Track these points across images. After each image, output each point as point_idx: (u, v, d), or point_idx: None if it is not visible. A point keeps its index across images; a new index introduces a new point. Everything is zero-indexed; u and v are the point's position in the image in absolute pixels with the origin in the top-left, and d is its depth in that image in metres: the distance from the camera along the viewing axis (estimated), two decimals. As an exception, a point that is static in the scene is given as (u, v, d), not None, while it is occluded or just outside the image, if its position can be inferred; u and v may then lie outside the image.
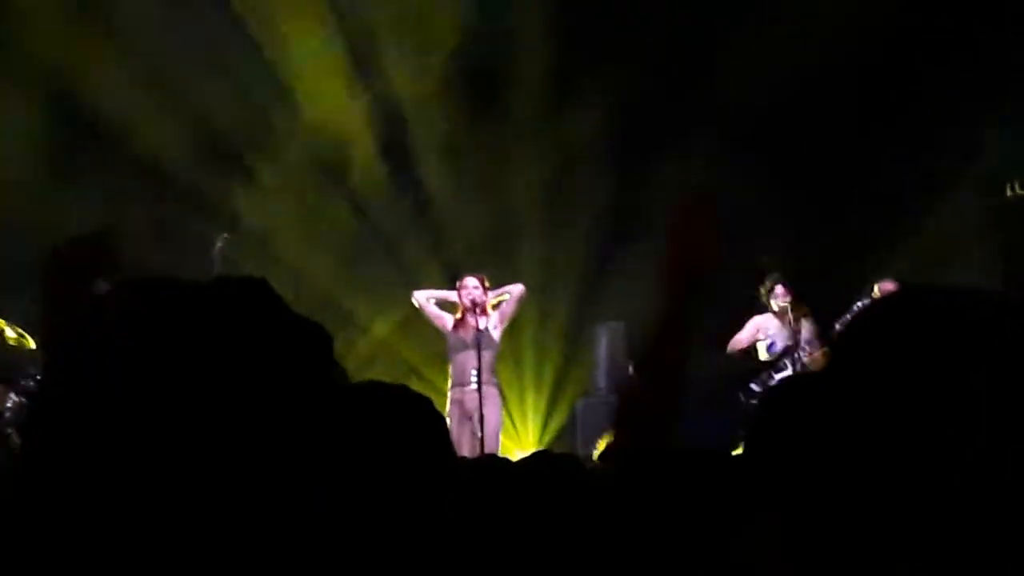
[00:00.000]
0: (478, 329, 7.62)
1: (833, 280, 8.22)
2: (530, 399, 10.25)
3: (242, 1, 9.22)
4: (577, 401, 9.86)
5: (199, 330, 0.97)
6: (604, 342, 9.88)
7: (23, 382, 6.89)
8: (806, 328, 8.19)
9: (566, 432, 9.92)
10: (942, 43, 8.68)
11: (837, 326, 7.95)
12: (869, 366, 1.06)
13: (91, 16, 8.92)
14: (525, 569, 1.75)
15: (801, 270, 8.27)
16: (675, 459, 1.75)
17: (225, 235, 8.00)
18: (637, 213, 8.59)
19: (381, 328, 10.03)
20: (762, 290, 8.27)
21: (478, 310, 7.69)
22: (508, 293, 7.97)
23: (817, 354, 8.13)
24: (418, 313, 8.21)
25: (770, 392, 1.63)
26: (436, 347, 8.50)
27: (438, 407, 1.68)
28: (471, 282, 7.82)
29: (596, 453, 8.14)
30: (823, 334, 8.13)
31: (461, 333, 7.79)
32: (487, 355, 7.61)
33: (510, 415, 9.53)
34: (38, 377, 6.46)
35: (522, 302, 8.07)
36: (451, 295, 7.95)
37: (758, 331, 8.26)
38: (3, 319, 7.14)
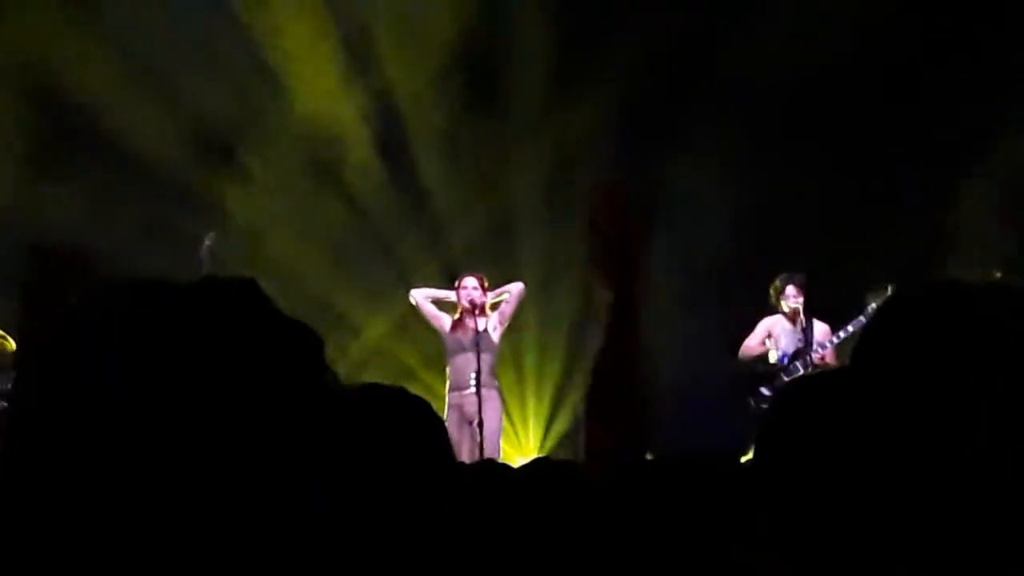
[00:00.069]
0: (477, 330, 7.61)
1: (845, 280, 8.24)
2: (531, 403, 10.23)
3: (233, -9, 9.22)
4: (580, 405, 9.85)
5: (184, 333, 0.96)
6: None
7: (5, 385, 6.89)
8: (818, 329, 8.19)
9: (569, 438, 9.91)
10: (944, 42, 8.75)
11: (850, 327, 7.97)
12: (892, 364, 1.06)
13: (76, 7, 8.92)
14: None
15: (811, 270, 8.29)
16: (677, 466, 1.74)
17: (214, 233, 8.00)
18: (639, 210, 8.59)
19: (376, 329, 10.02)
20: (772, 291, 8.28)
21: (477, 311, 7.69)
22: (507, 292, 7.97)
23: (828, 355, 8.14)
24: (414, 314, 8.21)
25: (782, 393, 1.63)
26: (433, 349, 8.50)
27: (436, 411, 1.67)
28: (470, 282, 7.82)
29: None
30: (834, 335, 8.14)
31: (459, 334, 7.78)
32: (487, 357, 7.60)
33: (511, 419, 9.52)
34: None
35: (522, 301, 8.07)
36: (450, 294, 7.94)
37: (769, 333, 8.27)
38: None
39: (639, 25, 9.06)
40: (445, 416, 7.52)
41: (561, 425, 10.16)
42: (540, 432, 10.20)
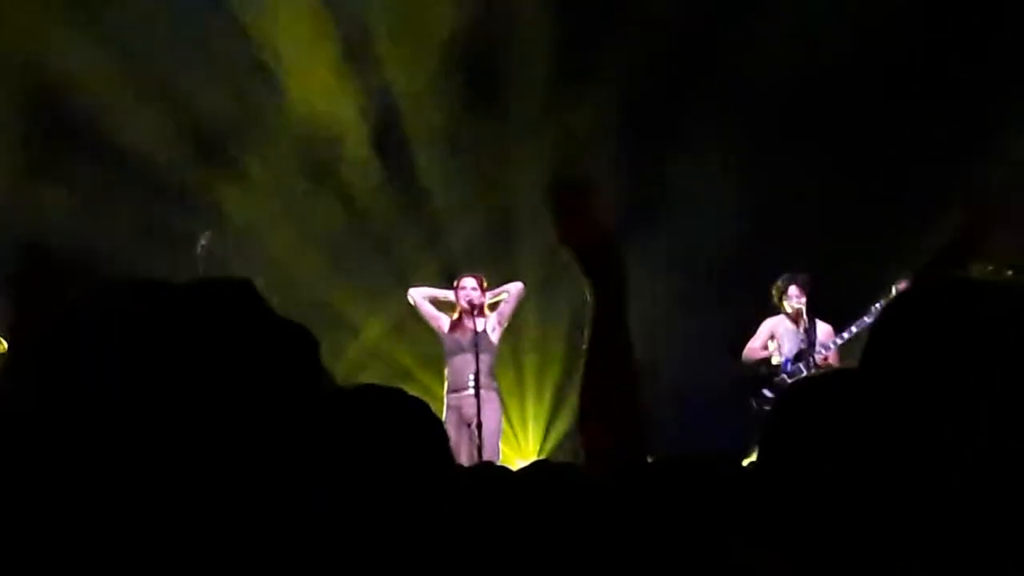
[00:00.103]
0: (476, 331, 7.61)
1: (844, 281, 8.26)
2: (531, 405, 10.23)
3: (229, -14, 9.23)
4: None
5: (178, 336, 0.96)
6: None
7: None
8: (821, 330, 8.20)
9: (569, 440, 9.91)
10: (944, 42, 8.78)
11: (854, 328, 7.97)
12: (899, 366, 1.06)
13: (74, 6, 8.92)
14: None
15: (811, 270, 8.31)
16: (677, 468, 1.75)
17: (210, 233, 8.00)
18: (640, 210, 8.61)
19: (373, 330, 10.02)
20: (774, 292, 8.28)
21: (476, 312, 7.69)
22: (506, 292, 7.97)
23: (832, 357, 8.14)
24: (412, 314, 8.21)
25: (786, 394, 1.63)
26: (431, 350, 8.50)
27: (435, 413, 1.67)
28: (469, 283, 7.83)
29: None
30: (838, 336, 8.15)
31: (458, 335, 7.78)
32: (485, 358, 7.60)
33: (510, 421, 9.51)
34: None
35: (521, 301, 8.07)
36: (448, 295, 7.95)
37: (771, 335, 8.28)
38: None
39: (639, 25, 9.09)
40: (443, 418, 7.52)
41: (561, 427, 10.16)
42: (540, 434, 10.20)
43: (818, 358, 8.09)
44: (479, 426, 7.32)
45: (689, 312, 8.92)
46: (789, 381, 7.97)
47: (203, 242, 7.84)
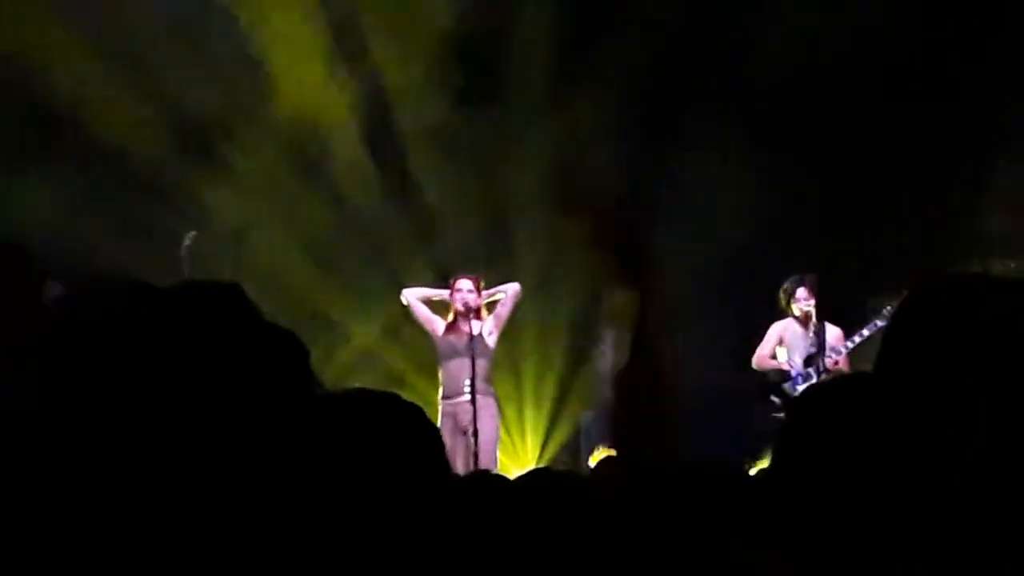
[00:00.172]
0: (471, 334, 7.58)
1: (845, 282, 8.33)
2: (529, 411, 10.22)
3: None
4: (582, 414, 9.84)
5: (163, 342, 0.97)
6: (611, 348, 9.85)
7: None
8: (830, 333, 8.21)
9: (569, 448, 9.91)
10: (944, 42, 8.87)
11: (865, 332, 7.99)
12: (912, 369, 1.07)
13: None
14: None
15: (812, 271, 8.35)
16: (679, 476, 1.75)
17: (195, 232, 7.98)
18: (640, 210, 8.63)
19: (365, 334, 10.01)
20: (782, 294, 8.30)
21: (471, 314, 7.67)
22: (502, 292, 7.95)
23: (842, 361, 8.15)
24: (405, 317, 8.20)
25: (800, 400, 1.64)
26: (425, 354, 8.49)
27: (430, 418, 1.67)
28: (465, 284, 7.80)
29: (592, 462, 8.14)
30: (848, 340, 8.16)
31: (453, 339, 7.76)
32: (481, 363, 7.58)
33: (507, 429, 9.51)
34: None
35: (518, 303, 8.06)
36: (443, 293, 7.94)
37: (780, 339, 8.30)
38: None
39: (639, 25, 9.16)
40: (438, 425, 7.51)
41: (561, 436, 10.15)
42: (538, 442, 10.19)
43: (828, 362, 8.10)
44: (475, 434, 7.30)
45: (688, 313, 8.93)
46: (798, 388, 8.00)
47: (187, 242, 7.82)
